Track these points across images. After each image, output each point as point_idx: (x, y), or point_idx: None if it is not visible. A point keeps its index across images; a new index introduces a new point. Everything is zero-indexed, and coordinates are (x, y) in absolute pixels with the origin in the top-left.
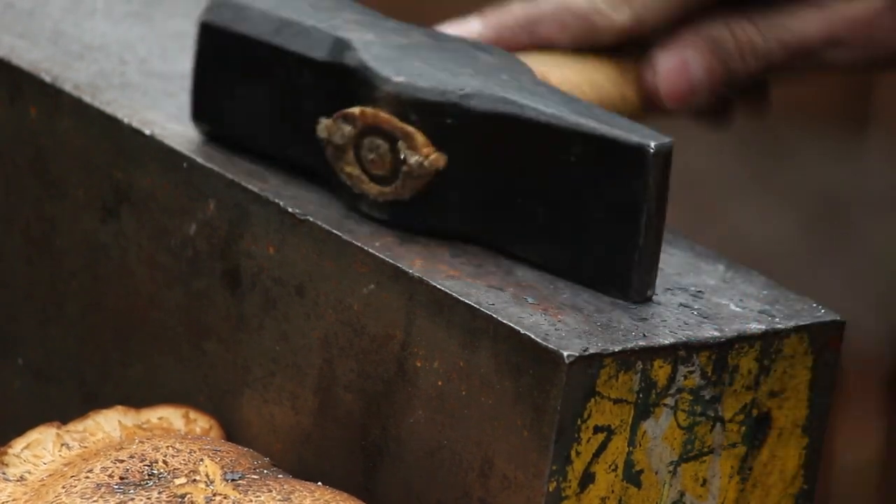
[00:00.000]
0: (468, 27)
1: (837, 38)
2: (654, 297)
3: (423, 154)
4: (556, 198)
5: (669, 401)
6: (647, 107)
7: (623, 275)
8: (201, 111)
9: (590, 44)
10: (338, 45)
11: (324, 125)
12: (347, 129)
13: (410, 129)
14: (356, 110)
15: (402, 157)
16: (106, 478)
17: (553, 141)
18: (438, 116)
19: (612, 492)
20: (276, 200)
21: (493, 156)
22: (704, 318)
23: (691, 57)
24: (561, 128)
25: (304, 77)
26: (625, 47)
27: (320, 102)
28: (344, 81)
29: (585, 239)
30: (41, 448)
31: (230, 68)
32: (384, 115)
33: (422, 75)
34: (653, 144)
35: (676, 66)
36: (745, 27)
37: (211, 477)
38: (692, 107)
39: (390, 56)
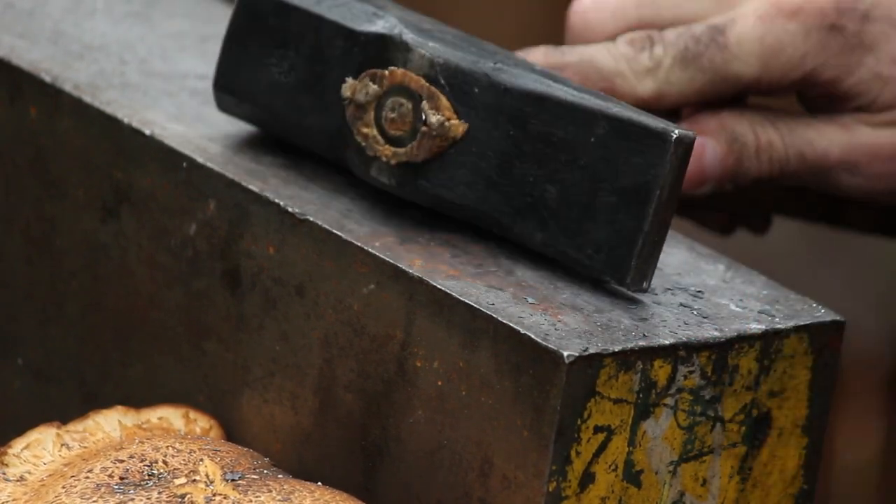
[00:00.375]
0: None
1: (855, 164)
2: (654, 298)
3: (444, 115)
4: (569, 178)
5: (669, 401)
6: None
7: (623, 260)
8: (225, 78)
9: None
10: (375, 17)
11: (349, 84)
12: (373, 87)
13: (437, 90)
14: (386, 70)
15: (423, 116)
16: (106, 478)
17: (577, 121)
18: (466, 84)
19: (612, 492)
20: (276, 200)
21: (512, 132)
22: (704, 318)
23: (710, 146)
24: (587, 108)
25: (336, 46)
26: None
27: (347, 71)
28: (376, 49)
29: (591, 222)
30: (41, 448)
31: (263, 35)
32: (414, 75)
33: (456, 46)
34: (676, 132)
35: (694, 150)
36: (767, 130)
37: (211, 477)
38: (697, 193)
39: (427, 30)
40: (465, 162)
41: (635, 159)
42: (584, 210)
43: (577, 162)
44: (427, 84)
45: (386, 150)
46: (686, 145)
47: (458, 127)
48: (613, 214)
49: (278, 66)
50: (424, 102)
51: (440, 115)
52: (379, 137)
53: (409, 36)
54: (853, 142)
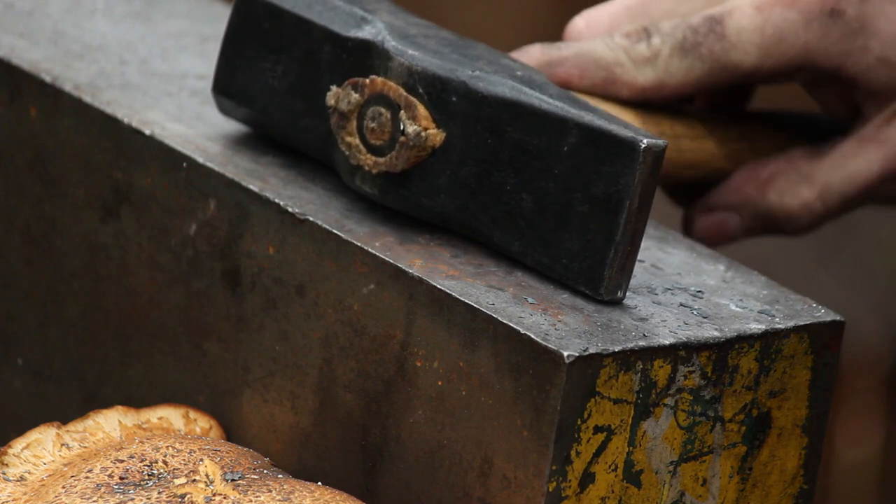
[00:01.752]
0: None
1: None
2: (654, 298)
3: (422, 125)
4: (544, 187)
5: (669, 401)
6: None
7: (596, 271)
8: (222, 82)
9: (606, 96)
10: (362, 22)
11: (333, 92)
12: (355, 96)
13: (414, 99)
14: (366, 78)
15: (401, 126)
16: (106, 478)
17: (550, 129)
18: (445, 93)
19: (612, 492)
20: (276, 200)
21: (490, 140)
22: (704, 318)
23: (732, 220)
24: (559, 116)
25: (325, 51)
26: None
27: (336, 76)
28: (361, 55)
29: (565, 231)
30: (41, 448)
31: (258, 40)
32: (392, 84)
33: (437, 53)
34: (644, 141)
35: (714, 225)
36: (799, 191)
37: (211, 477)
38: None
39: (411, 35)
40: (445, 170)
41: (605, 168)
42: (559, 219)
43: (551, 170)
44: (405, 93)
45: (368, 160)
46: (655, 153)
47: (436, 136)
48: (586, 224)
49: (272, 70)
50: (402, 112)
51: (417, 126)
52: (361, 146)
53: (390, 43)
54: (889, 154)
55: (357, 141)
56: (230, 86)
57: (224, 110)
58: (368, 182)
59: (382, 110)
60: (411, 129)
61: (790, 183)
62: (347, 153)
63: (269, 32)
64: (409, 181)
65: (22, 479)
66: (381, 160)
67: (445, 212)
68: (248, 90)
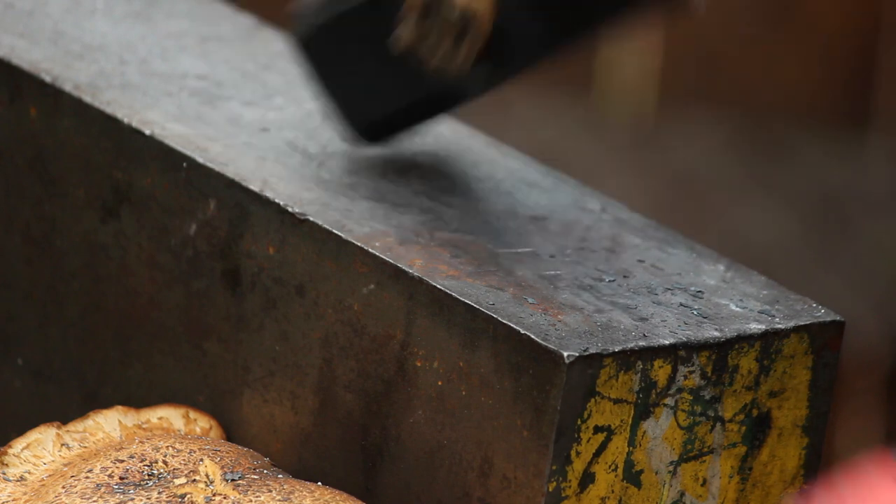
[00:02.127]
0: None
1: None
2: (654, 298)
3: (459, 6)
4: None
5: (669, 401)
6: None
7: None
8: (358, 124)
9: None
10: None
11: (398, 32)
12: (411, 22)
13: None
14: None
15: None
16: (106, 478)
17: None
18: None
19: (612, 492)
20: (276, 200)
21: None
22: (704, 318)
23: None
24: None
25: (394, 6)
26: None
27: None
28: None
29: None
30: (41, 448)
31: (336, 60)
32: None
33: None
34: None
35: None
36: None
37: (211, 477)
38: None
39: None
40: (513, 27)
41: None
42: None
43: None
44: None
45: (463, 54)
46: None
47: (477, 3)
48: None
49: (371, 69)
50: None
51: (456, 10)
52: (451, 49)
53: None
54: None
55: (447, 47)
56: (357, 119)
57: (381, 141)
58: (478, 76)
59: (431, 19)
60: (454, 16)
61: None
62: (449, 67)
63: (339, 45)
64: (493, 59)
65: (22, 479)
66: (472, 51)
67: (537, 60)
68: (373, 104)
